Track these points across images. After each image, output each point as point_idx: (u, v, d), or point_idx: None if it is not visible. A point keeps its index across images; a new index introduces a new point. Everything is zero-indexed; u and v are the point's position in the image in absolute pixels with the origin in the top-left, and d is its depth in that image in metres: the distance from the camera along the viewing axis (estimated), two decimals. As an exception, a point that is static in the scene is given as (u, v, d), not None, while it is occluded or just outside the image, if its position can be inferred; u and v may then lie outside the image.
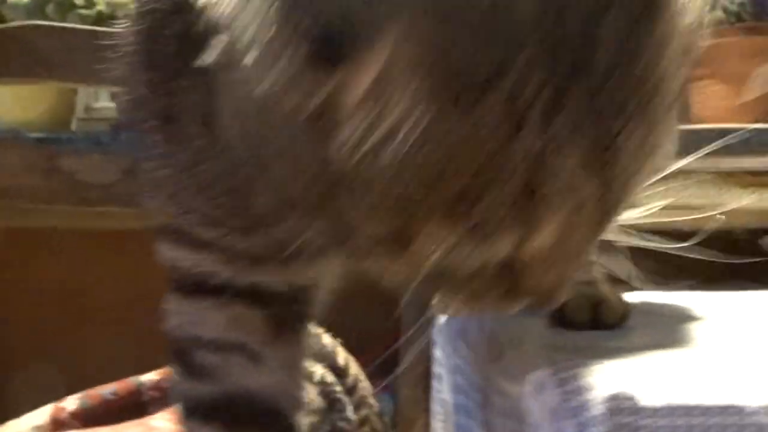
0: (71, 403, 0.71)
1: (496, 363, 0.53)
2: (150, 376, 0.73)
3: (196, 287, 0.45)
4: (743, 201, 1.06)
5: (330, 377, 0.82)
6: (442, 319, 0.79)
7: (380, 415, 0.92)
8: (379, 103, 0.28)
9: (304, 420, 0.49)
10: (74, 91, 1.38)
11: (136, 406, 0.72)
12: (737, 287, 0.85)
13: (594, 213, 0.31)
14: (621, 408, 0.41)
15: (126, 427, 0.67)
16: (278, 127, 0.30)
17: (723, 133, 1.08)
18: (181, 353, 0.46)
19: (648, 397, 0.41)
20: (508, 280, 0.34)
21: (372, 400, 0.90)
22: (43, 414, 0.70)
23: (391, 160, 0.28)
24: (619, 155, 0.30)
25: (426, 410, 0.83)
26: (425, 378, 0.85)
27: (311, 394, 0.78)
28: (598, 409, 0.41)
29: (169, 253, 0.45)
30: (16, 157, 0.92)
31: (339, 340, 0.88)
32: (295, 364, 0.48)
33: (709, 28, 0.37)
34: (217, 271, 0.44)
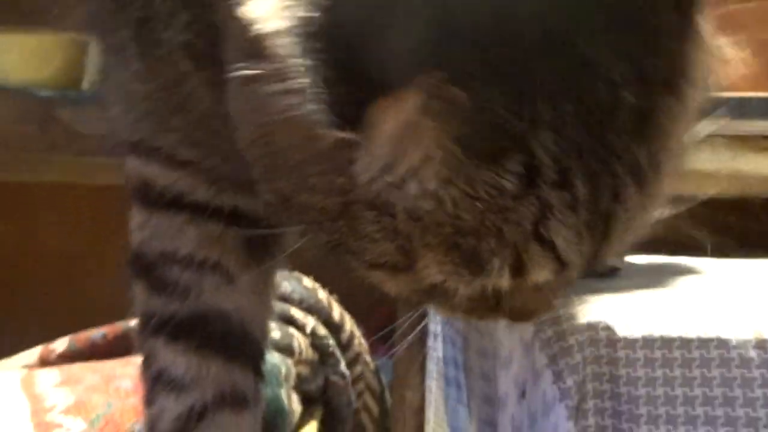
0: (60, 344, 0.71)
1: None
2: (139, 322, 0.73)
3: (171, 202, 0.43)
4: (760, 166, 1.02)
5: (322, 330, 0.81)
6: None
7: (377, 373, 0.91)
8: (405, 143, 0.29)
9: (269, 354, 0.49)
10: (84, 52, 1.38)
11: (124, 350, 0.71)
12: (751, 257, 0.82)
13: (585, 262, 0.33)
14: (597, 339, 0.39)
15: (107, 362, 0.66)
16: (298, 143, 0.31)
17: (742, 101, 1.04)
18: (148, 268, 0.44)
19: (626, 328, 0.39)
20: (495, 299, 0.35)
21: (368, 358, 0.89)
22: (32, 354, 0.70)
23: (407, 195, 0.30)
24: (621, 214, 0.32)
25: (421, 370, 0.82)
26: (421, 338, 0.84)
27: (302, 345, 0.78)
28: (573, 339, 0.39)
29: (141, 169, 0.43)
30: (12, 106, 0.91)
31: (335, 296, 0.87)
32: (266, 291, 0.47)
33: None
34: (195, 191, 0.42)
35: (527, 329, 0.41)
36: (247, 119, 0.33)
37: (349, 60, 0.27)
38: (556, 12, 0.29)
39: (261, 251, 0.45)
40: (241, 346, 0.45)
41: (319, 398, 0.81)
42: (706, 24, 0.33)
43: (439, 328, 0.77)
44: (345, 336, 0.85)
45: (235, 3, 0.29)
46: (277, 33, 0.26)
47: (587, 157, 0.30)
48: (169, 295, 0.44)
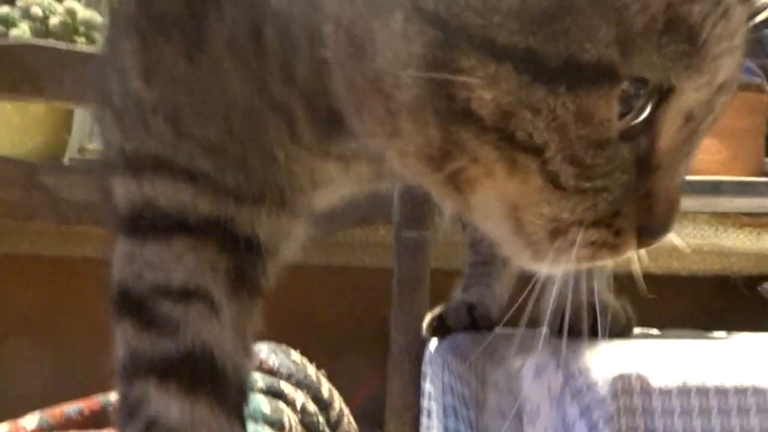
0: (30, 421, 0.66)
1: (490, 357, 0.49)
2: (118, 395, 0.68)
3: (171, 226, 0.41)
4: (740, 242, 1.04)
5: (312, 407, 0.77)
6: (432, 346, 0.75)
7: (365, 455, 0.86)
8: None
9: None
10: (68, 130, 1.38)
11: (101, 426, 0.66)
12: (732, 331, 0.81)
13: None
14: (630, 388, 0.37)
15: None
16: None
17: (714, 183, 1.06)
18: (137, 305, 0.42)
19: (659, 377, 0.37)
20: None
21: (357, 439, 0.84)
22: (-2, 432, 0.64)
23: None
24: None
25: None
26: (413, 417, 0.81)
27: (292, 421, 0.73)
28: (604, 389, 0.37)
29: (144, 190, 0.42)
30: (-3, 172, 0.88)
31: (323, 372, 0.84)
32: (245, 329, 0.44)
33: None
34: (197, 205, 0.41)
35: (556, 379, 0.39)
36: None
37: None
38: None
39: (242, 283, 0.43)
40: (225, 389, 0.42)
41: (307, 480, 0.75)
42: None
43: (434, 404, 0.74)
44: (334, 413, 0.81)
45: None
46: None
47: None
48: (159, 332, 0.41)
